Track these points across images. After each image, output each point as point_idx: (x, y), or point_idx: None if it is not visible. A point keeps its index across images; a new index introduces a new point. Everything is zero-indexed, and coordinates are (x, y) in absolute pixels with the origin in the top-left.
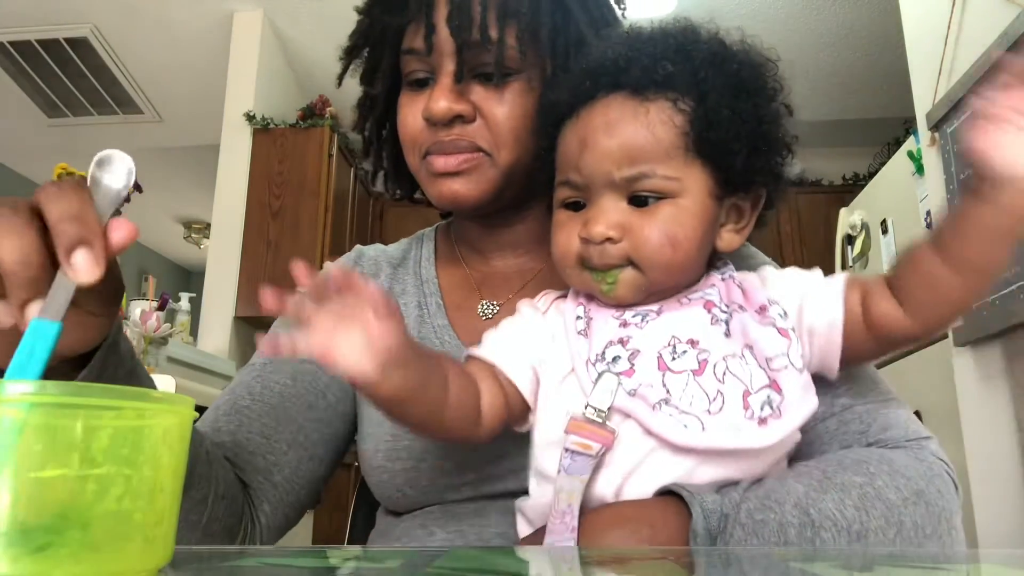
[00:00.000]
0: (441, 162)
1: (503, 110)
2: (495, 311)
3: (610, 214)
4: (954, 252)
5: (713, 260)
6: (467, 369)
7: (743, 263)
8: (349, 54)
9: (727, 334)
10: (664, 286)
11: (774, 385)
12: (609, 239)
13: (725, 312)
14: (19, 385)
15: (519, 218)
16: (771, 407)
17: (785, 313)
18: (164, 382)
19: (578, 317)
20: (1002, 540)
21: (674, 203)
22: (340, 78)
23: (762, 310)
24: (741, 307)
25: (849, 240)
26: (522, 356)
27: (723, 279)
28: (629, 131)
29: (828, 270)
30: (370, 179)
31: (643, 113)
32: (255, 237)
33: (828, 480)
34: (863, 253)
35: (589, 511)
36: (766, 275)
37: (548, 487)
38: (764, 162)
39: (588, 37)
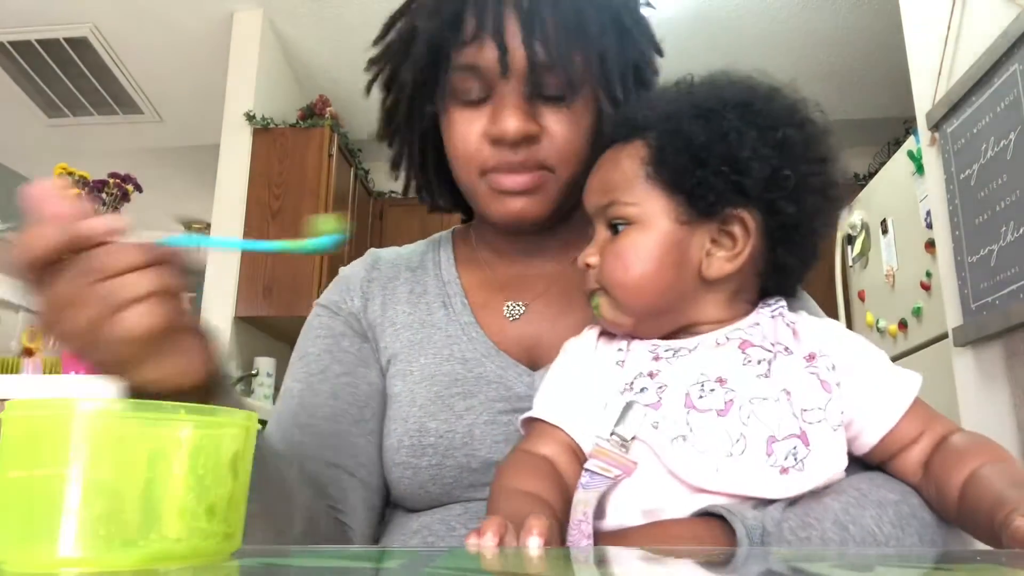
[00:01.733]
0: (510, 181)
1: (567, 129)
2: (521, 311)
3: (596, 242)
4: (959, 520)
5: (766, 296)
6: (538, 449)
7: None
8: (388, 61)
9: (766, 375)
10: (637, 309)
11: (803, 437)
12: (588, 265)
13: (769, 352)
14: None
15: (559, 226)
16: (795, 459)
17: (834, 367)
18: None
19: (619, 349)
20: None
21: (638, 228)
22: (369, 86)
23: (811, 358)
24: (787, 349)
25: (849, 240)
26: (585, 411)
27: (772, 316)
28: (605, 167)
29: (828, 270)
30: (402, 190)
31: (618, 152)
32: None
33: (864, 497)
34: (863, 253)
35: (633, 528)
36: (834, 333)
37: None
38: (728, 182)
39: (646, 56)
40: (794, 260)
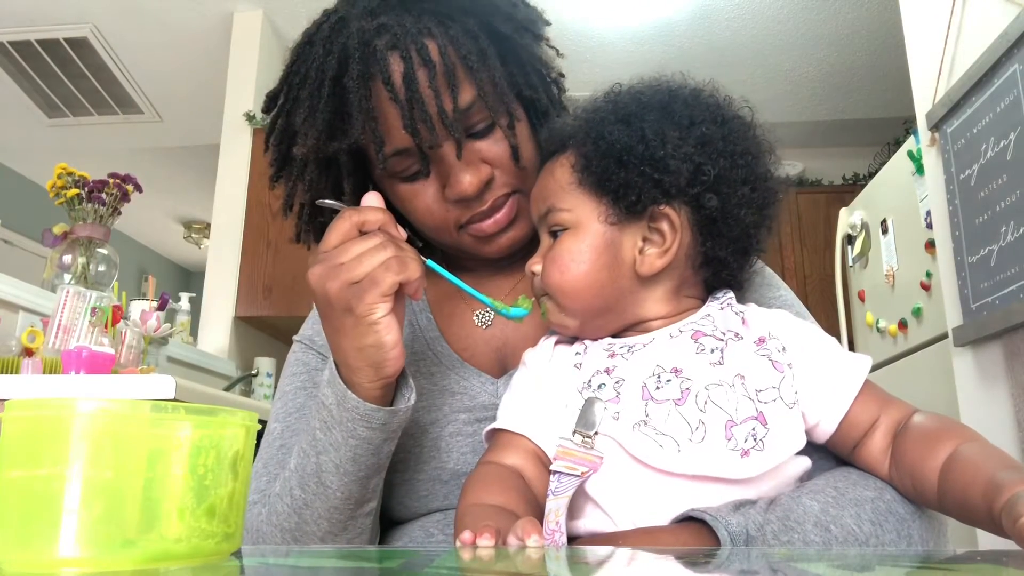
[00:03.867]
0: (491, 225)
1: (508, 149)
2: (491, 317)
3: (540, 250)
4: (942, 504)
5: (714, 290)
6: (504, 459)
7: (766, 292)
8: (294, 179)
9: (719, 362)
10: (579, 310)
11: (760, 417)
12: (534, 272)
13: (720, 340)
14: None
15: None
16: (755, 440)
17: (784, 348)
18: (164, 382)
19: (576, 352)
20: (1001, 539)
21: (572, 232)
22: (288, 209)
23: (760, 341)
24: (737, 335)
25: (849, 240)
26: (547, 416)
27: (721, 307)
28: (542, 178)
29: (828, 270)
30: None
31: (552, 163)
32: (255, 237)
33: (841, 496)
34: (863, 253)
35: (617, 534)
36: (783, 319)
37: None
38: (650, 181)
39: (534, 47)
40: (726, 252)
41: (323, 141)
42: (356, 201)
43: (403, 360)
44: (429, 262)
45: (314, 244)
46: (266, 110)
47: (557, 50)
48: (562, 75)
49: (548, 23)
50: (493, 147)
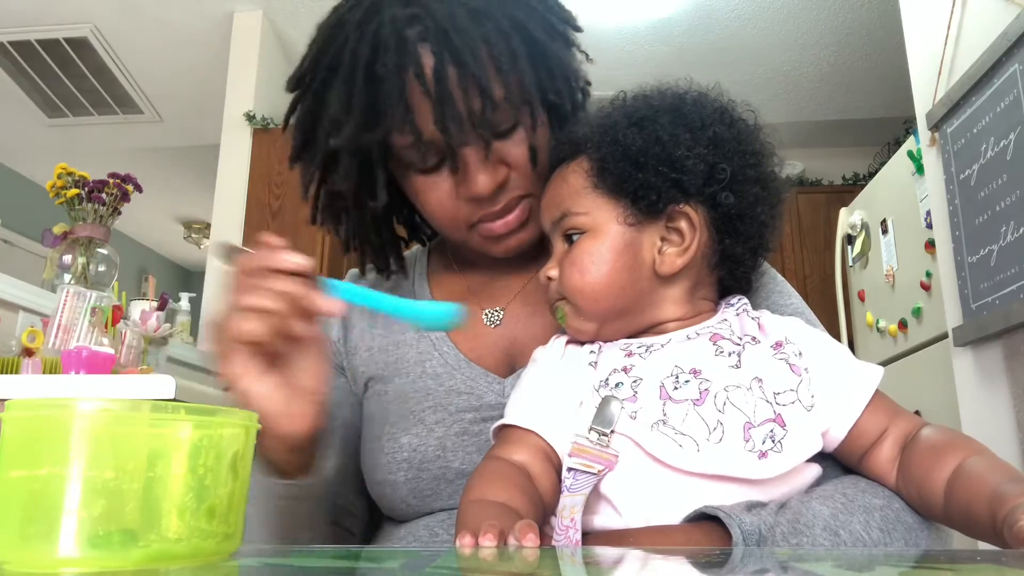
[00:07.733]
0: (501, 226)
1: (527, 152)
2: (500, 317)
3: (555, 256)
4: (947, 517)
5: (726, 295)
6: (511, 455)
7: (778, 299)
8: (319, 169)
9: (736, 365)
10: (598, 313)
11: (779, 419)
12: (549, 278)
13: (737, 344)
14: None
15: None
16: (773, 441)
17: (801, 353)
18: (164, 382)
19: (591, 351)
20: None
21: (590, 235)
22: (306, 191)
23: (778, 345)
24: (755, 339)
25: (849, 240)
26: (559, 414)
27: (737, 314)
28: (554, 185)
29: (828, 270)
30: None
31: (564, 170)
32: (255, 237)
33: (851, 502)
34: (863, 253)
35: (629, 532)
36: (797, 325)
37: None
38: (667, 181)
39: (558, 49)
40: (742, 249)
41: (358, 132)
42: (387, 190)
43: (296, 426)
44: (335, 286)
45: (330, 228)
46: (291, 89)
47: (587, 55)
48: (588, 83)
49: (580, 29)
50: (512, 149)
